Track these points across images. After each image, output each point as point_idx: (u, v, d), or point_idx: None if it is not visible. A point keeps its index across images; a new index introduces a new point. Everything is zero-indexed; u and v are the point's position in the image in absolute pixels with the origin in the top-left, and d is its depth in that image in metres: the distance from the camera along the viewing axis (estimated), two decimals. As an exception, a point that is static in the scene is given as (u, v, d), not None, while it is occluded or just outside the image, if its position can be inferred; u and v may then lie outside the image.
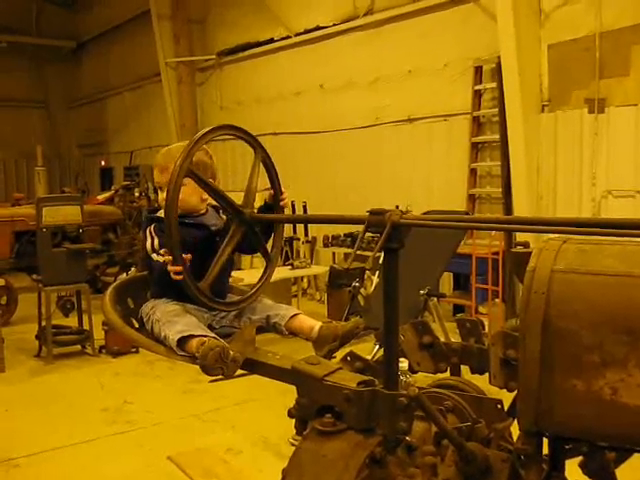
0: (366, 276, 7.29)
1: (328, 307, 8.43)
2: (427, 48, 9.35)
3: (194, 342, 2.10)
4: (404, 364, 1.99)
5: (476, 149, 8.88)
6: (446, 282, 8.91)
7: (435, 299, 5.40)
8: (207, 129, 2.12)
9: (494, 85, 8.40)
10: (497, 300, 7.39)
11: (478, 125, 8.85)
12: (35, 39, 18.38)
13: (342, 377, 1.88)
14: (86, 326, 7.36)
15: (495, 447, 1.87)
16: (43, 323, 7.19)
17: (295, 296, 9.06)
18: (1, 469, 4.54)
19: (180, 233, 2.12)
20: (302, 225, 10.62)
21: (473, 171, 8.88)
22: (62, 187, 15.86)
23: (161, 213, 2.35)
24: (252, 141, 2.31)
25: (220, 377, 5.77)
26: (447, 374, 2.47)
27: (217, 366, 2.02)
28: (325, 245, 10.35)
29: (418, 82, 9.56)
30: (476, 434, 1.93)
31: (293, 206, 9.60)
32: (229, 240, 2.26)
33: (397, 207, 5.49)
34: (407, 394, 1.67)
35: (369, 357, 2.50)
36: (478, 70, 8.74)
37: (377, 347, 4.94)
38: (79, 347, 7.43)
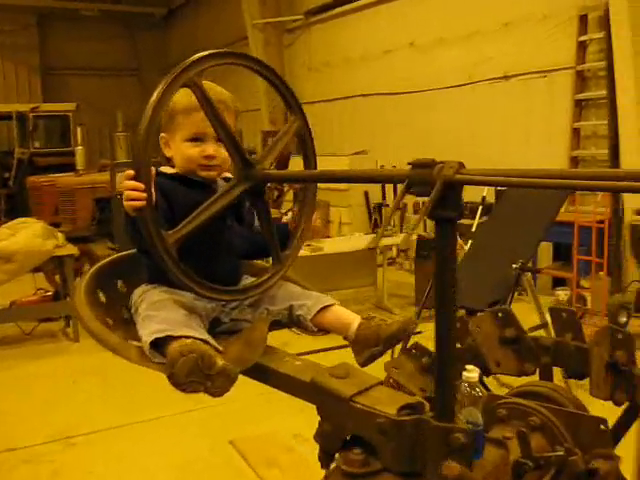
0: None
1: (416, 278, 7.91)
2: (525, -3, 8.61)
3: (175, 345, 1.52)
4: (473, 374, 1.46)
5: (580, 107, 8.18)
6: (545, 252, 8.26)
7: (529, 274, 4.79)
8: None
9: (601, 35, 7.62)
10: (601, 273, 6.69)
11: (582, 80, 8.12)
12: (126, 7, 18.40)
13: (378, 398, 1.36)
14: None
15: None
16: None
17: (380, 266, 8.59)
18: (58, 447, 4.32)
19: (177, 191, 1.74)
20: (391, 192, 10.12)
21: (576, 131, 8.18)
22: (153, 153, 15.85)
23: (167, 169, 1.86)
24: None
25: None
26: (535, 377, 1.94)
27: (190, 380, 1.45)
28: (415, 212, 9.79)
29: (515, 35, 8.85)
30: (569, 468, 1.42)
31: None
32: (224, 194, 1.65)
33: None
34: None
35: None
36: (583, 19, 7.96)
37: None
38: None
